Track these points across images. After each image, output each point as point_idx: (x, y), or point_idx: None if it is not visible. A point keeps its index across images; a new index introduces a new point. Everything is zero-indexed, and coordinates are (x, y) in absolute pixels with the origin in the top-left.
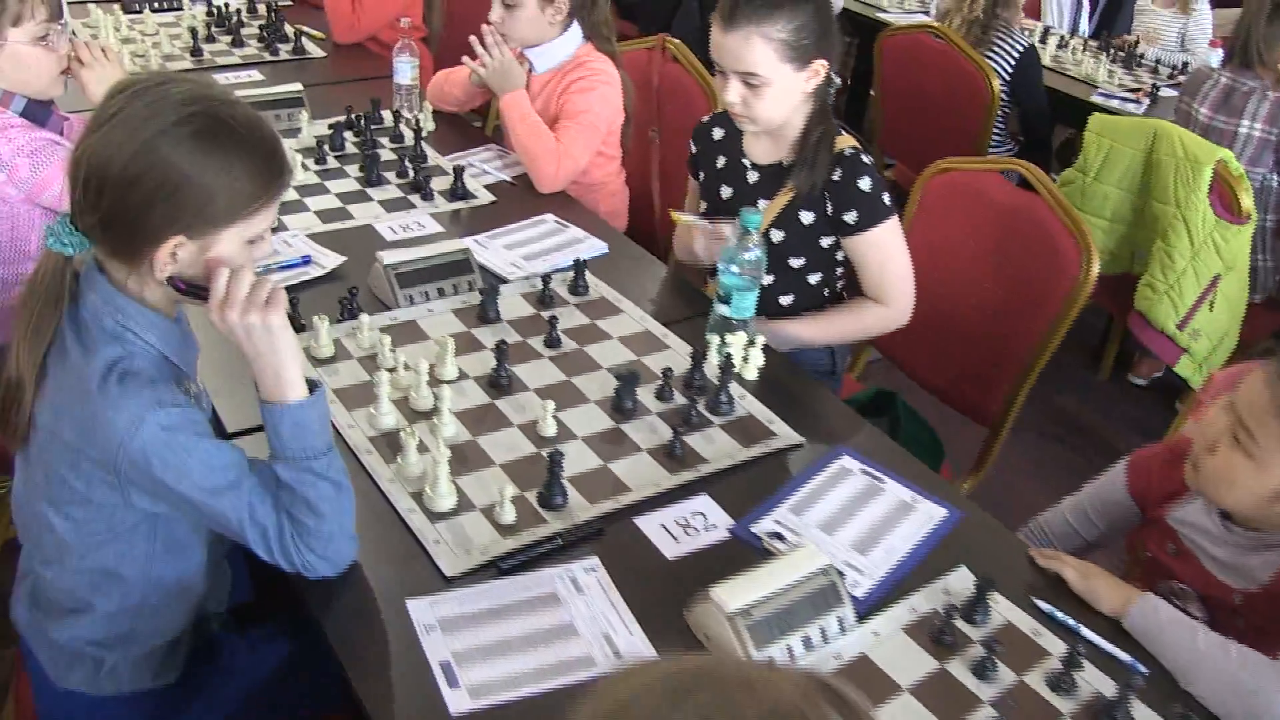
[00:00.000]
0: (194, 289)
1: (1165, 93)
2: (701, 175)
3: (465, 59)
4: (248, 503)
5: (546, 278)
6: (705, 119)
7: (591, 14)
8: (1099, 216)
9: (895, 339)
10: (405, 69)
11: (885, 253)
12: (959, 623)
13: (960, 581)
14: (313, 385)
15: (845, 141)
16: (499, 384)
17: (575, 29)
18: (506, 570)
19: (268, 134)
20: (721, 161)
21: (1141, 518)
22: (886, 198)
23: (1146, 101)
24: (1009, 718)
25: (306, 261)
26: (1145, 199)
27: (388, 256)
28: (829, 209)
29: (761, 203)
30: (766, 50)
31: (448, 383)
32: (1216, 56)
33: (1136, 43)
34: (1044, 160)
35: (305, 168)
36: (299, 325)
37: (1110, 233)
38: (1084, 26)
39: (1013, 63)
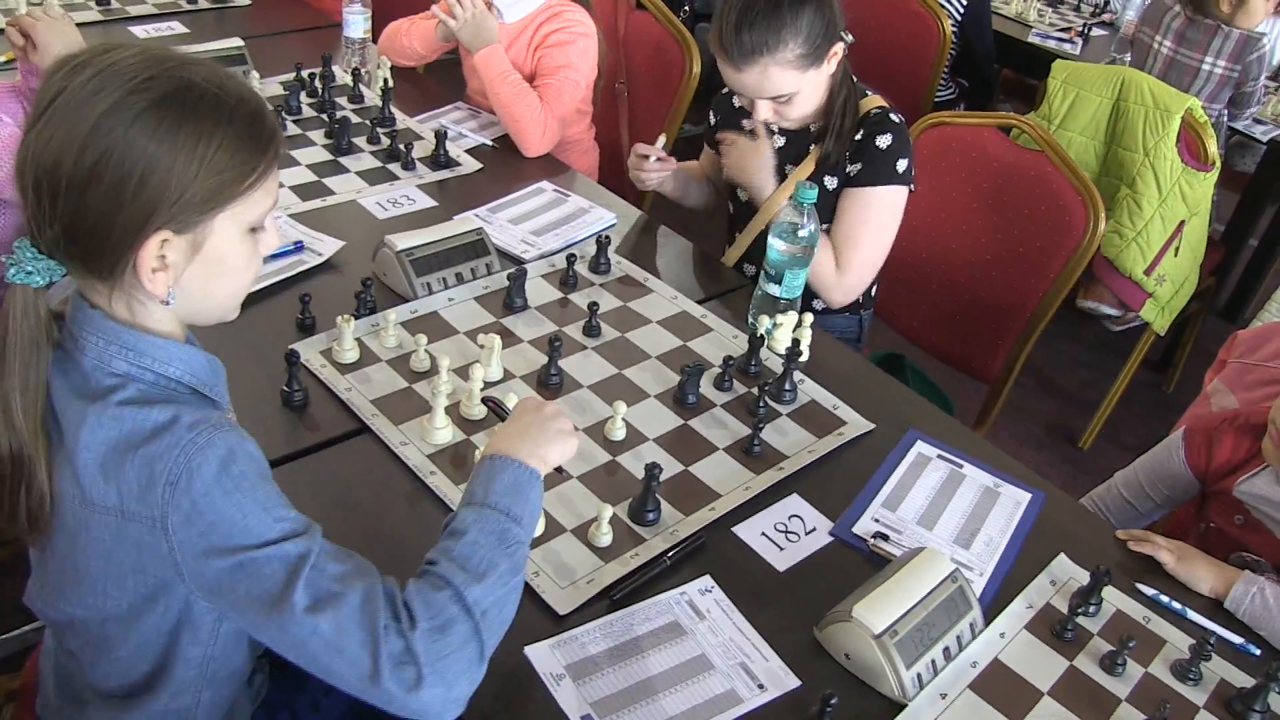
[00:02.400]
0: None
1: (1095, 32)
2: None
3: (435, 9)
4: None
5: (571, 258)
6: (726, 90)
7: None
8: None
9: (893, 298)
10: (357, 21)
11: (868, 216)
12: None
13: (1063, 570)
14: None
15: (872, 102)
16: (549, 383)
17: None
18: (618, 600)
19: (246, 93)
20: (750, 125)
21: (1201, 489)
22: (903, 165)
23: (1080, 41)
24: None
25: (299, 248)
26: (1111, 146)
27: (398, 241)
28: (847, 168)
29: (787, 168)
30: (786, 73)
31: (495, 385)
32: None
33: None
34: (988, 102)
35: None
36: (312, 326)
37: None
38: None
39: (965, 3)
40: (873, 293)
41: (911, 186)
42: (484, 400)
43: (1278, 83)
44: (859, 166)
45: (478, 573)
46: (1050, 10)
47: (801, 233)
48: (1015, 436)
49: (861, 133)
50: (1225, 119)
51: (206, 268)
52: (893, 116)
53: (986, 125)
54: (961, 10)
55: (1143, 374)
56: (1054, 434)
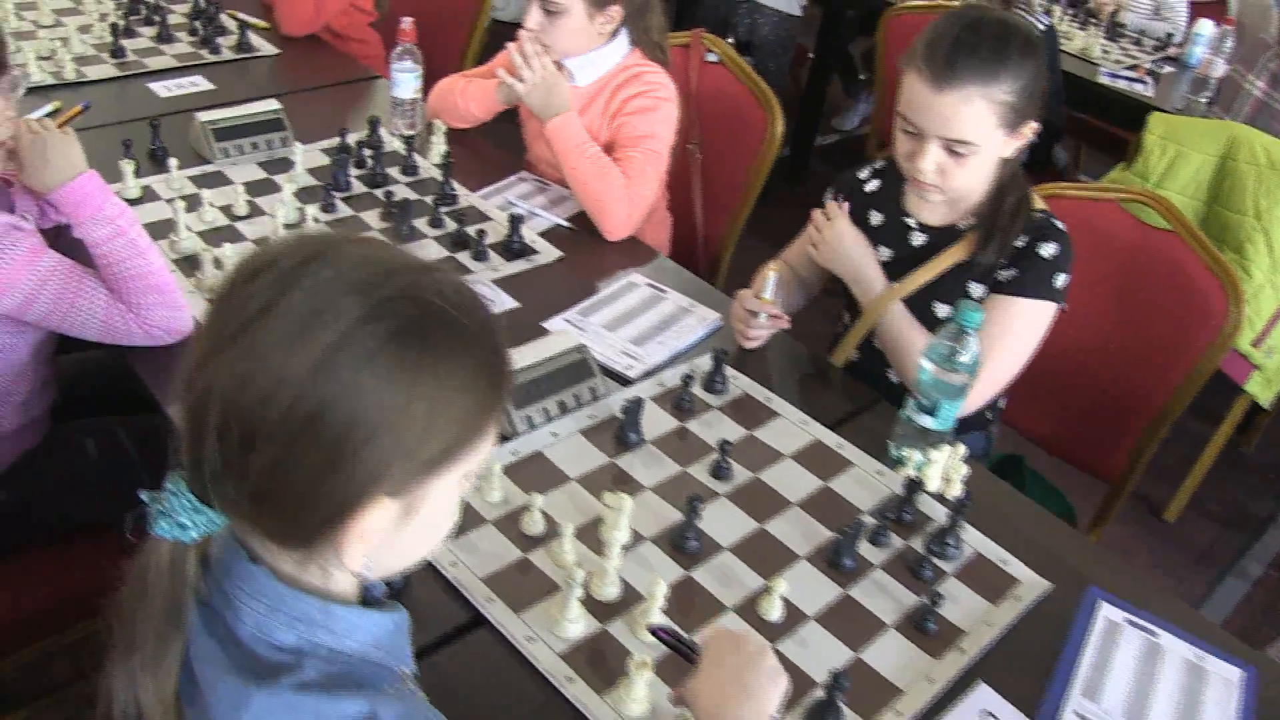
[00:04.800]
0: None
1: (1165, 69)
2: None
3: (499, 71)
4: None
5: (689, 379)
6: (861, 173)
7: (644, 20)
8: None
9: None
10: (408, 80)
11: (1010, 328)
12: None
13: None
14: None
15: (1037, 204)
16: (686, 548)
17: (622, 35)
18: None
19: (484, 311)
20: (878, 218)
21: None
22: (1061, 280)
23: (1151, 81)
24: None
25: None
26: (1212, 207)
27: None
28: (1000, 274)
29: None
30: (987, 114)
31: (625, 549)
32: (1207, 27)
33: (1116, 11)
34: (1055, 144)
35: (315, 220)
36: None
37: None
38: None
39: None
40: (999, 404)
41: (1064, 305)
42: (655, 632)
43: None
44: (1014, 273)
45: None
46: (1114, 45)
47: (963, 358)
48: (1145, 537)
49: (1026, 238)
50: None
51: (411, 528)
52: (1058, 224)
53: (1106, 199)
54: None
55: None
56: (1136, 504)
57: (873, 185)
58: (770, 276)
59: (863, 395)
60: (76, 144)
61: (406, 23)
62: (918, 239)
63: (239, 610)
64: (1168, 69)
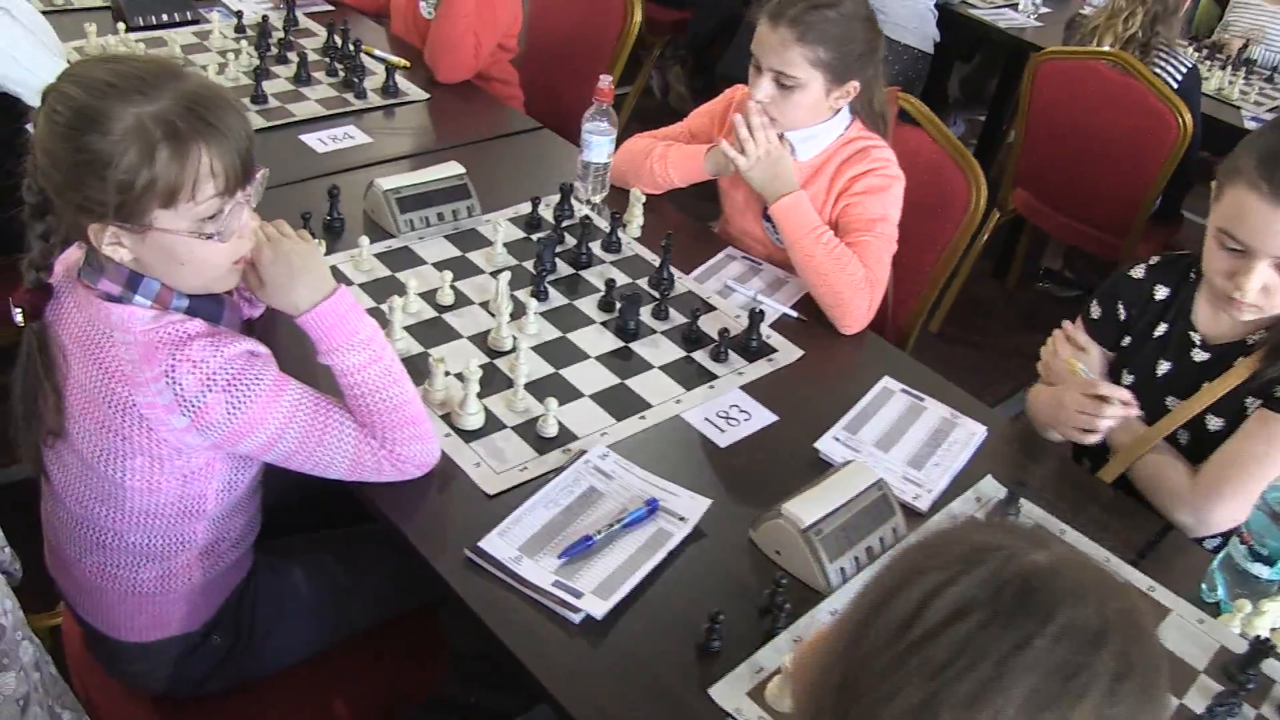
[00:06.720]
0: None
1: None
2: (1127, 340)
3: (723, 143)
4: None
5: (991, 518)
6: (1138, 273)
7: (869, 92)
8: None
9: None
10: (603, 144)
11: (1273, 455)
12: None
13: None
14: None
15: None
16: None
17: (844, 105)
18: None
19: None
20: (1162, 329)
21: None
22: None
23: None
24: None
25: (653, 508)
26: None
27: (802, 514)
28: (1275, 388)
29: (1204, 385)
30: None
31: None
32: None
33: (1246, 46)
34: (1185, 194)
35: (538, 315)
36: (716, 649)
37: None
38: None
39: (1175, 88)
40: None
41: None
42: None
43: None
44: None
45: None
46: (1251, 86)
47: None
48: None
49: None
50: None
51: None
52: None
53: None
54: (1175, 86)
55: None
56: None
57: (1162, 292)
58: (1079, 366)
59: (1148, 522)
60: (319, 252)
61: (605, 81)
62: (1199, 355)
63: None
64: None
